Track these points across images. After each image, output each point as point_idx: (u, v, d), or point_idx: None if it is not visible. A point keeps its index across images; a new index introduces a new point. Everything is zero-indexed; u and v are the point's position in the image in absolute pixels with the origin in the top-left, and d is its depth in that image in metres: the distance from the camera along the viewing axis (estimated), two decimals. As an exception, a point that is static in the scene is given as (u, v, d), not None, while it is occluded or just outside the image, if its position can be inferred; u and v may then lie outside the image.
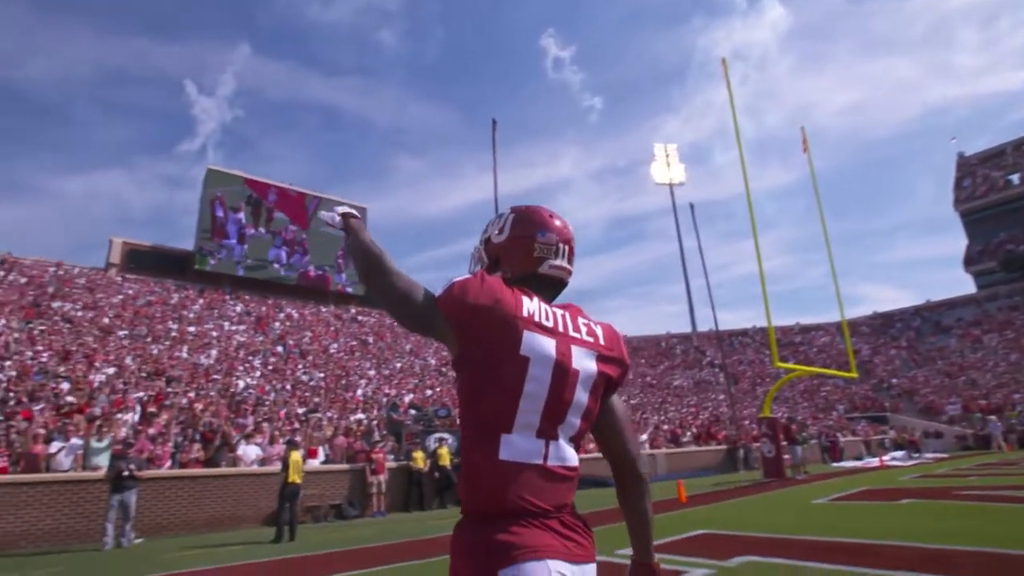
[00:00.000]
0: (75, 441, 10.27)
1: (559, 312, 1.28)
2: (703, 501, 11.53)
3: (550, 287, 1.37)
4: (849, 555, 5.44)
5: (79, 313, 23.16)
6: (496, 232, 1.40)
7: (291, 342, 27.83)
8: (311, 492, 11.87)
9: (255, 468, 11.54)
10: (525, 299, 1.22)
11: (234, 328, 28.10)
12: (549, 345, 1.20)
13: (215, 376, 19.28)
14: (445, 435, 14.97)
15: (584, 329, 1.29)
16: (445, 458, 13.94)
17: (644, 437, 20.76)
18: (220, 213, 36.93)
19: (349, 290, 40.83)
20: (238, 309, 31.92)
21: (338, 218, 1.40)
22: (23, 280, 25.88)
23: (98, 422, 11.09)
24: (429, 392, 23.52)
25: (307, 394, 19.81)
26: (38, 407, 12.35)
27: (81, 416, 11.89)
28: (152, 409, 13.55)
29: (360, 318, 37.71)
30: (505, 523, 1.12)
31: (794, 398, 37.81)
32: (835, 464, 22.72)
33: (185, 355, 21.17)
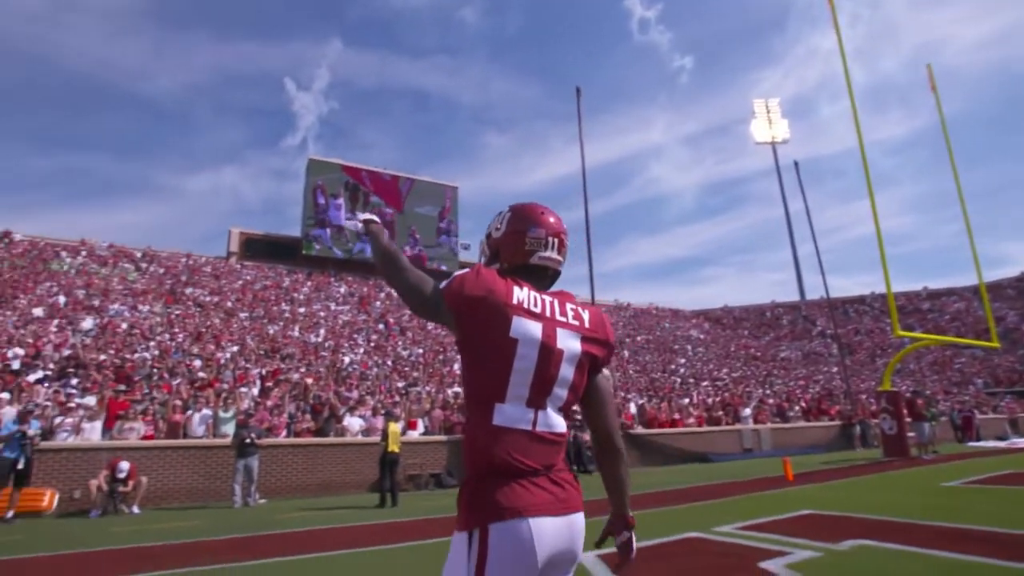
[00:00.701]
0: (206, 412, 11.41)
1: (548, 299, 1.46)
2: (812, 479, 10.81)
3: (542, 276, 1.55)
4: (983, 545, 4.85)
5: (207, 298, 25.61)
6: (495, 228, 1.60)
7: (391, 320, 29.15)
8: (412, 461, 12.45)
9: (359, 438, 12.26)
10: (516, 288, 1.41)
11: (339, 308, 29.89)
12: (536, 328, 1.38)
13: (323, 353, 20.64)
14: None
15: (571, 313, 1.47)
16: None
17: (747, 412, 19.79)
18: (322, 200, 39.15)
19: (444, 267, 42.00)
20: (342, 290, 33.88)
21: (360, 224, 1.62)
22: (161, 271, 28.99)
23: (224, 395, 12.25)
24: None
25: (407, 368, 20.71)
26: (176, 381, 13.85)
27: (211, 389, 13.19)
28: (269, 383, 14.76)
29: (454, 295, 38.73)
30: (499, 481, 1.30)
31: (921, 371, 34.43)
32: (971, 444, 20.49)
33: (297, 334, 22.82)
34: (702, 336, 40.84)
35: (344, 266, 38.43)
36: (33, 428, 8.81)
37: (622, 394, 19.86)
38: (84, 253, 28.63)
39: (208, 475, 10.42)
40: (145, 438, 10.46)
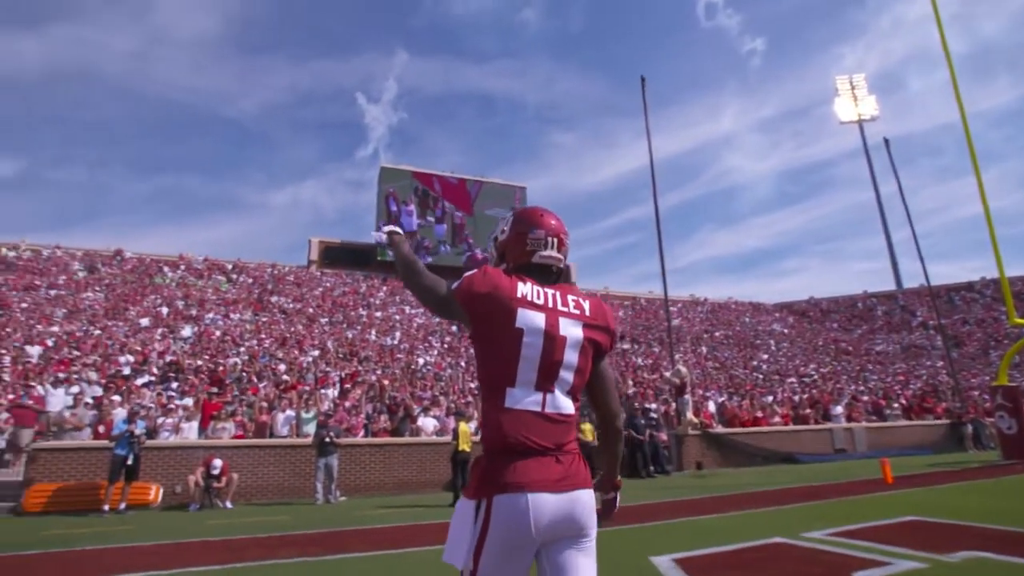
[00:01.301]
0: (289, 412, 11.99)
1: (551, 292, 1.60)
2: (915, 483, 9.92)
3: (546, 273, 1.69)
4: None
5: (291, 305, 27.02)
6: (501, 231, 1.77)
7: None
8: (486, 461, 12.52)
9: (433, 438, 12.46)
10: (520, 284, 1.56)
11: (414, 311, 30.69)
12: (539, 318, 1.52)
13: (399, 355, 21.24)
14: (612, 407, 14.81)
15: (572, 303, 1.60)
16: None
17: (838, 409, 18.51)
18: (394, 207, 40.39)
19: (514, 269, 42.17)
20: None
21: (384, 236, 1.81)
22: (250, 280, 30.91)
23: (305, 396, 12.83)
24: (595, 365, 23.46)
25: (479, 369, 20.92)
26: (262, 384, 14.66)
27: (294, 392, 13.86)
28: (348, 385, 15.33)
29: (526, 295, 38.81)
30: (507, 458, 1.44)
31: (1043, 363, 30.94)
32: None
33: (373, 337, 23.62)
34: (786, 330, 38.71)
35: (417, 270, 39.42)
36: (139, 428, 9.56)
37: (700, 392, 19.12)
38: (183, 267, 30.99)
39: (293, 473, 10.93)
40: (235, 437, 11.12)
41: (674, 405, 15.65)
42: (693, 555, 5.05)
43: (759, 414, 17.24)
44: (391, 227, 1.82)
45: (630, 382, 19.61)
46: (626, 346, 27.88)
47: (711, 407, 17.35)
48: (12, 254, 28.27)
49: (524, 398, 1.48)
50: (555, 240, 1.70)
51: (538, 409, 1.48)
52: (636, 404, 15.51)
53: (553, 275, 1.70)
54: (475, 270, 1.56)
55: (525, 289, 1.55)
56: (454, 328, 28.49)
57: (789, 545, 5.27)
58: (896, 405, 20.49)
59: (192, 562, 5.54)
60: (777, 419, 17.31)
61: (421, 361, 20.79)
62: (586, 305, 1.62)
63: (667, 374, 15.64)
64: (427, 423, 12.93)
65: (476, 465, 1.51)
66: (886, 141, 24.97)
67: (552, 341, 1.50)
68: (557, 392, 1.51)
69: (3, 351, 15.35)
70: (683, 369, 16.04)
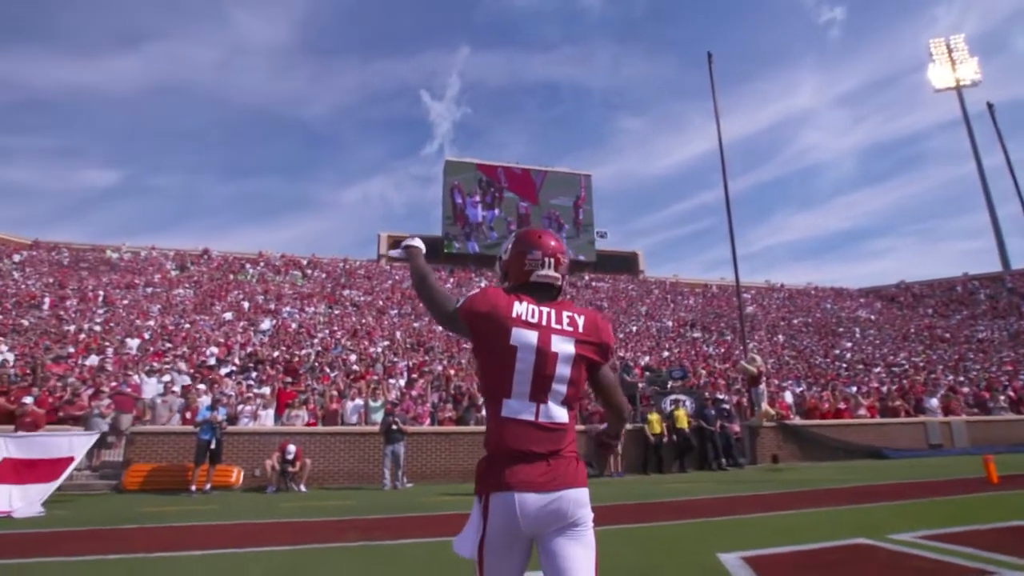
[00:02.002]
0: (358, 401, 12.37)
1: (546, 310, 1.70)
2: (1025, 482, 8.95)
3: (542, 289, 1.80)
4: None
5: (362, 298, 27.96)
6: (504, 252, 1.90)
7: (529, 311, 29.59)
8: (550, 450, 12.45)
9: (499, 426, 12.49)
10: (516, 303, 1.68)
11: (480, 302, 30.98)
12: (532, 336, 1.63)
13: (465, 345, 21.49)
14: (682, 397, 14.32)
15: (566, 320, 1.70)
16: (683, 420, 13.35)
17: (933, 401, 17.06)
18: (459, 199, 40.86)
19: (581, 258, 41.75)
20: (483, 284, 35.10)
21: (401, 252, 1.97)
22: (323, 275, 32.23)
23: (374, 386, 13.19)
24: (666, 354, 22.84)
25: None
26: (334, 374, 15.22)
27: (363, 381, 14.29)
28: (415, 375, 15.66)
29: (594, 284, 38.34)
30: (505, 462, 1.58)
31: None
32: None
33: (440, 328, 24.02)
34: (872, 317, 36.17)
35: (484, 261, 39.79)
36: (220, 414, 10.15)
37: (776, 382, 18.18)
38: (262, 264, 32.72)
39: (361, 459, 11.27)
40: (308, 425, 11.60)
41: (747, 396, 14.95)
42: (764, 553, 4.74)
43: (841, 405, 16.17)
44: (408, 241, 1.97)
45: (702, 371, 18.92)
46: (696, 335, 26.97)
47: (788, 398, 16.44)
48: (115, 256, 30.83)
49: (519, 409, 1.61)
50: (552, 260, 1.82)
51: (532, 419, 1.61)
52: (707, 394, 14.94)
53: (552, 291, 1.83)
54: (477, 290, 1.73)
55: (520, 308, 1.68)
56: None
57: (874, 547, 4.85)
58: (1002, 397, 18.65)
59: (264, 542, 5.79)
60: (862, 411, 16.17)
61: (486, 351, 20.93)
62: (580, 321, 1.72)
63: (742, 363, 14.93)
64: (492, 412, 12.97)
65: (479, 465, 1.67)
66: (990, 106, 22.68)
67: (544, 357, 1.62)
68: (550, 403, 1.63)
69: (107, 344, 16.75)
70: (757, 358, 15.28)
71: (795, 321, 32.31)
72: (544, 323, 1.67)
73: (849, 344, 28.60)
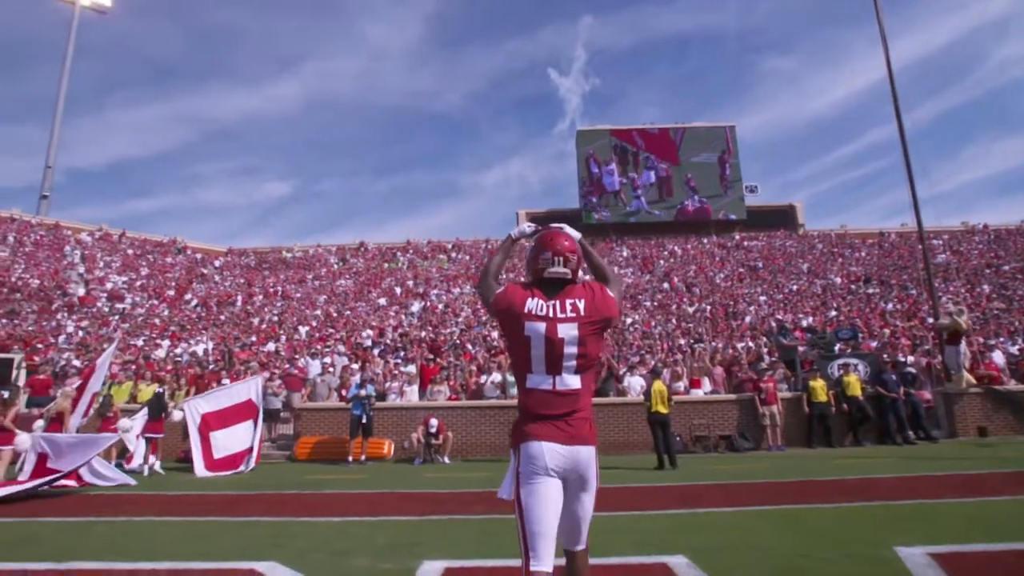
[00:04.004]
0: (496, 376, 12.51)
1: (554, 303, 2.09)
2: None
3: (554, 283, 2.19)
4: None
5: (504, 275, 28.52)
6: (528, 255, 2.31)
7: (675, 278, 28.07)
8: (698, 422, 11.60)
9: (640, 398, 11.87)
10: (529, 299, 2.10)
11: (622, 271, 30.07)
12: (541, 327, 2.05)
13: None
14: (852, 360, 12.49)
15: (569, 308, 2.08)
16: (855, 387, 11.62)
17: None
18: (595, 169, 39.84)
19: (732, 216, 38.68)
20: (624, 253, 34.04)
21: (531, 228, 2.45)
22: (467, 257, 33.46)
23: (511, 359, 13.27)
24: (833, 313, 20.24)
25: (690, 325, 19.59)
26: (475, 350, 15.63)
27: (503, 356, 14.46)
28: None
29: (746, 243, 35.31)
30: (530, 421, 2.05)
31: None
32: None
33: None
34: (1121, 254, 28.84)
35: (625, 230, 38.57)
36: (368, 391, 10.85)
37: (979, 340, 15.14)
38: (411, 251, 34.84)
39: (501, 432, 11.39)
40: (449, 399, 11.99)
41: (939, 357, 12.61)
42: (961, 550, 3.78)
43: (1077, 365, 12.98)
44: (524, 227, 2.47)
45: (886, 332, 16.40)
46: (872, 290, 23.57)
47: (998, 358, 13.59)
48: (289, 255, 34.83)
49: (540, 381, 2.04)
50: (561, 259, 2.19)
51: (550, 388, 2.03)
52: (886, 356, 12.87)
53: (562, 283, 2.16)
54: (501, 289, 2.16)
55: (532, 304, 2.07)
56: (665, 285, 27.26)
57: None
58: None
59: (396, 511, 5.97)
60: None
61: (628, 320, 20.20)
62: (581, 305, 2.07)
63: (950, 315, 12.31)
64: (633, 382, 12.40)
65: (514, 425, 2.11)
66: None
67: (552, 342, 2.01)
68: (564, 374, 2.03)
69: (282, 332, 18.92)
70: (965, 310, 12.74)
71: (1005, 268, 26.81)
72: (551, 315, 2.05)
73: (1086, 290, 23.06)
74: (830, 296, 23.72)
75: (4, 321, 19.61)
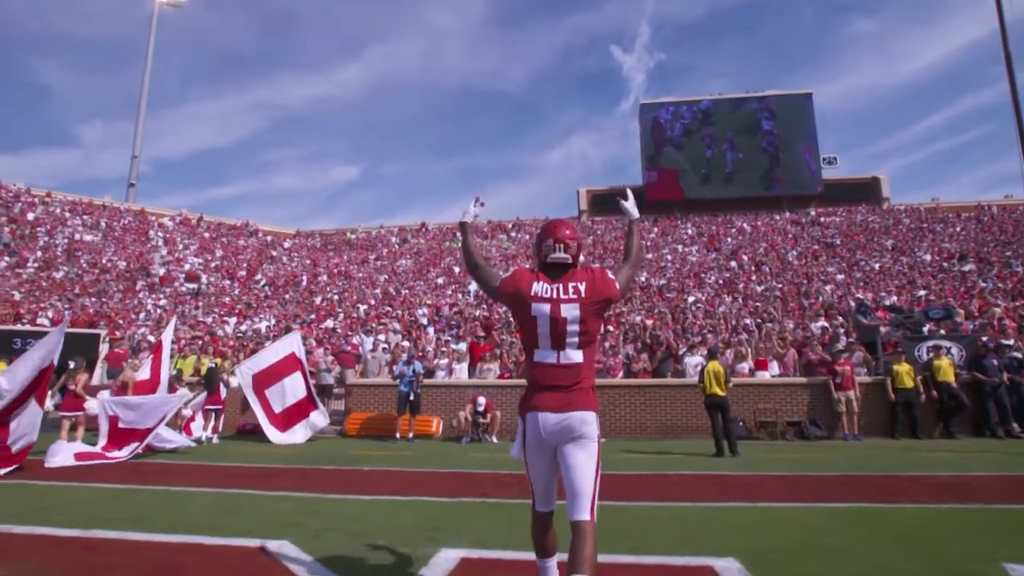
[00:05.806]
0: (547, 354, 12.10)
1: (557, 286, 2.35)
2: None
3: (557, 268, 2.44)
4: None
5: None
6: (534, 242, 2.61)
7: (744, 256, 26.55)
8: (764, 407, 10.78)
9: (698, 379, 11.16)
10: (535, 283, 2.36)
11: (687, 249, 28.78)
12: (546, 308, 2.31)
13: (668, 295, 20.02)
14: (945, 343, 11.21)
15: (571, 290, 2.33)
16: (947, 372, 10.40)
17: None
18: (658, 144, 38.22)
19: (808, 191, 36.19)
20: (690, 231, 32.58)
21: (472, 215, 2.87)
22: (527, 236, 33.02)
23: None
24: (922, 293, 18.43)
25: (758, 304, 18.37)
26: (528, 328, 15.25)
27: (556, 334, 14.04)
28: (610, 327, 14.90)
29: (822, 219, 32.95)
30: (535, 392, 2.34)
31: None
32: None
33: (642, 278, 22.78)
34: None
35: (690, 207, 36.89)
36: (415, 368, 10.72)
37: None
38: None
39: (553, 412, 11.00)
40: (500, 378, 11.69)
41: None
42: None
43: None
44: (465, 218, 2.83)
45: (996, 311, 14.65)
46: (968, 267, 21.32)
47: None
48: (353, 236, 35.61)
49: (545, 355, 2.34)
50: (562, 245, 2.44)
51: (555, 362, 2.33)
52: (985, 339, 11.46)
53: (564, 268, 2.43)
54: (508, 274, 2.47)
55: (537, 287, 2.35)
56: (732, 263, 25.86)
57: None
58: None
59: (427, 491, 5.72)
60: None
61: (691, 299, 19.21)
62: (582, 287, 2.34)
63: None
64: (692, 362, 11.66)
65: (524, 395, 2.41)
66: None
67: (556, 322, 2.30)
68: (567, 349, 2.32)
69: (340, 311, 19.25)
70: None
71: None
72: (555, 296, 2.31)
73: None
74: (918, 275, 21.66)
75: (93, 299, 21.04)
